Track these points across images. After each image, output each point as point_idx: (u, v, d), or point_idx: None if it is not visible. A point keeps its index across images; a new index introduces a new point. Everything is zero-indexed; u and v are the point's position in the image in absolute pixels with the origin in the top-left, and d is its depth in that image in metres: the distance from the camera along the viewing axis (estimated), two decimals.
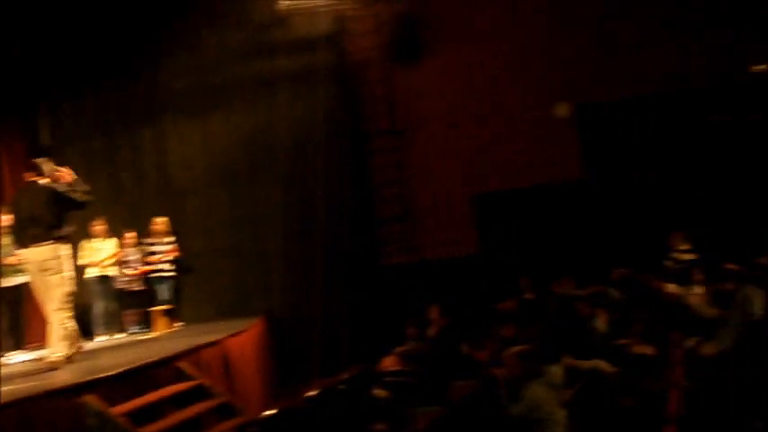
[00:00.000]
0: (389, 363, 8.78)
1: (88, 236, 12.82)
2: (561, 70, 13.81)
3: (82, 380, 7.17)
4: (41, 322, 9.20)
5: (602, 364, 7.28)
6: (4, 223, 10.01)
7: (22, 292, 10.72)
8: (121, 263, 13.02)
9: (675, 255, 12.12)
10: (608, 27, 13.66)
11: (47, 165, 8.84)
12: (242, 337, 11.19)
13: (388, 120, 14.60)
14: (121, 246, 13.07)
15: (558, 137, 13.69)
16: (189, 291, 14.19)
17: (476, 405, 5.60)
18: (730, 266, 9.84)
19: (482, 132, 14.06)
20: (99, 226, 12.90)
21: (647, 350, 7.31)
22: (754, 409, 4.93)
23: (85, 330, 11.61)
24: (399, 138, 14.57)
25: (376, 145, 14.66)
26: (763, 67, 13.20)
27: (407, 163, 14.56)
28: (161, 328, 12.25)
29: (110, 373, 7.42)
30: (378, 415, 6.38)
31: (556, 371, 6.39)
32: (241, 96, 14.67)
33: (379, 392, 7.19)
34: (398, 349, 9.36)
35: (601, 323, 9.07)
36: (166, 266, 13.14)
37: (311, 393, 6.64)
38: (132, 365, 8.04)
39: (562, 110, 13.55)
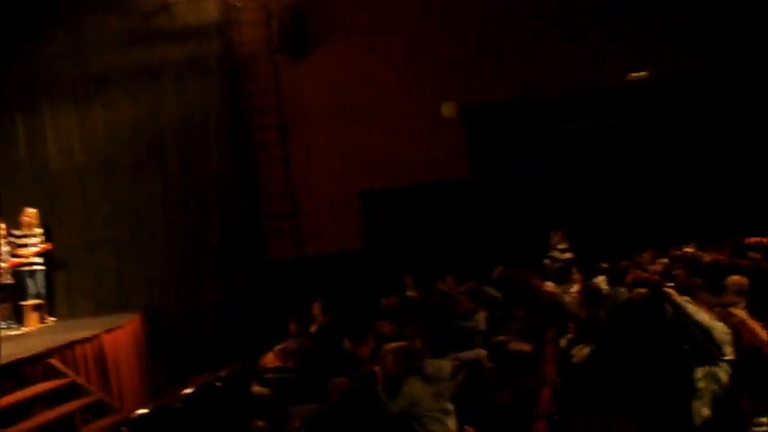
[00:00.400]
0: (270, 359, 8.67)
1: None
2: (448, 69, 13.95)
3: None
4: None
5: (483, 354, 7.40)
6: None
7: None
8: None
9: (554, 253, 12.46)
10: (494, 28, 13.89)
11: None
12: (118, 333, 10.88)
13: (276, 114, 14.44)
14: None
15: (444, 135, 13.82)
16: (66, 285, 13.71)
17: (352, 402, 5.56)
18: (604, 265, 10.19)
19: (370, 128, 14.06)
20: None
21: (524, 347, 7.46)
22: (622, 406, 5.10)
23: None
24: (286, 132, 14.43)
25: (263, 139, 14.48)
26: (641, 74, 13.72)
27: (294, 158, 14.43)
28: (32, 324, 11.77)
29: None
30: (256, 412, 6.28)
31: (441, 365, 6.42)
32: (124, 85, 14.22)
33: (259, 390, 7.09)
34: (279, 346, 9.22)
35: (480, 320, 9.19)
36: (37, 259, 12.60)
37: (187, 391, 6.48)
38: (0, 362, 7.69)
39: (448, 109, 13.70)
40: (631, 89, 13.45)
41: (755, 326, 6.12)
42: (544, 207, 13.29)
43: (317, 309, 10.68)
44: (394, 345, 6.21)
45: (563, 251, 12.46)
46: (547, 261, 12.32)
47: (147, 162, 14.14)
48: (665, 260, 10.50)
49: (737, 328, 5.40)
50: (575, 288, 9.46)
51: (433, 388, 6.06)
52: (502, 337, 8.12)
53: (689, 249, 10.72)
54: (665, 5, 13.23)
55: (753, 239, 10.62)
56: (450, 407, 6.07)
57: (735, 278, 6.89)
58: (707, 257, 9.82)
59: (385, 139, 13.90)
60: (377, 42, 14.02)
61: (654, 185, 13.25)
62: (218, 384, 6.79)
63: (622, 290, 8.37)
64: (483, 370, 7.16)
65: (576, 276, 10.50)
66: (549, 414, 4.13)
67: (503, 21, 13.87)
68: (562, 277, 10.67)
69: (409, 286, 11.74)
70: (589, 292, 8.78)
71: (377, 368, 5.97)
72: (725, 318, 5.89)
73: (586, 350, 7.89)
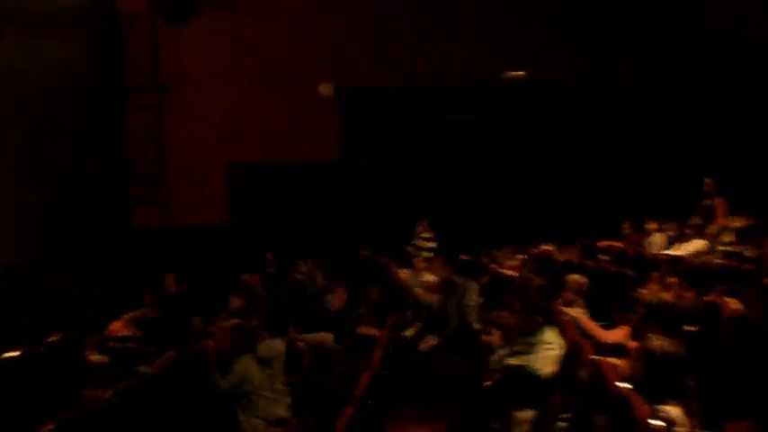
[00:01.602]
0: (116, 327, 8.43)
1: None
2: (332, 49, 13.87)
3: None
4: None
5: (328, 339, 7.39)
6: None
7: None
8: None
9: (418, 242, 12.60)
10: (382, 16, 13.89)
11: None
12: None
13: (151, 76, 14.01)
14: None
15: (319, 115, 13.76)
16: None
17: (174, 375, 5.46)
18: (462, 257, 10.36)
19: (246, 101, 13.83)
20: None
21: (372, 332, 7.51)
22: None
23: None
24: (161, 96, 14.02)
25: (139, 101, 14.03)
26: (519, 73, 14.01)
27: (168, 123, 14.05)
28: None
29: None
30: (90, 380, 6.10)
31: (276, 345, 6.38)
32: None
33: (95, 357, 6.88)
34: (128, 315, 8.99)
35: (337, 300, 9.20)
36: None
37: (10, 355, 6.20)
38: None
39: (326, 89, 13.65)
40: (508, 87, 13.71)
41: (588, 323, 6.36)
42: (411, 195, 13.42)
43: (169, 281, 10.46)
44: (231, 321, 6.14)
45: (427, 240, 12.62)
46: (410, 249, 12.45)
47: (9, 115, 13.45)
48: (522, 256, 10.77)
49: (563, 326, 5.57)
50: (428, 277, 9.56)
51: (267, 367, 6.03)
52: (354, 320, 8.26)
53: (546, 248, 11.01)
54: (549, 12, 13.53)
55: (604, 243, 11.01)
56: (283, 388, 6.06)
57: (574, 277, 7.07)
58: (561, 257, 10.13)
59: (261, 113, 13.71)
60: (263, 13, 13.76)
61: (520, 183, 13.58)
62: (46, 350, 6.53)
63: (473, 283, 8.53)
64: (328, 353, 7.18)
65: (437, 266, 10.62)
66: (362, 399, 4.15)
67: (391, 11, 13.86)
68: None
69: (270, 265, 11.65)
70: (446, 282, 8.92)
71: (210, 343, 5.89)
72: (558, 317, 6.06)
73: (432, 341, 8.02)
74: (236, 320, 6.22)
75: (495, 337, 6.41)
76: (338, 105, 13.80)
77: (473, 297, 8.17)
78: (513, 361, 5.38)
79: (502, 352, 5.83)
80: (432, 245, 12.41)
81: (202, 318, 8.59)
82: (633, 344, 4.91)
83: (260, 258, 12.13)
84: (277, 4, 13.95)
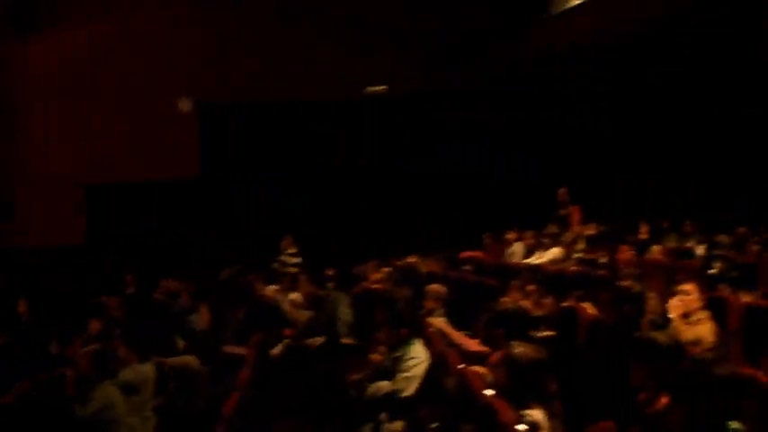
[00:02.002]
0: None
1: None
2: (188, 64, 13.63)
3: None
4: None
5: (193, 361, 7.20)
6: None
7: None
8: None
9: (283, 258, 12.51)
10: (245, 32, 13.76)
11: None
12: None
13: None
14: None
15: (177, 132, 13.47)
16: None
17: (31, 404, 5.19)
18: (329, 272, 10.36)
19: (99, 118, 13.38)
20: None
21: (239, 351, 7.37)
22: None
23: None
24: (8, 114, 13.36)
25: None
26: (379, 88, 14.18)
27: (16, 142, 13.40)
28: None
29: None
30: None
31: (143, 371, 6.17)
32: None
33: None
34: None
35: (201, 320, 9.00)
36: None
37: None
38: None
39: (185, 105, 13.38)
40: (369, 102, 13.86)
41: (452, 332, 6.50)
42: (275, 211, 13.33)
43: (22, 306, 9.98)
44: (89, 347, 5.89)
45: (292, 255, 12.54)
46: (276, 265, 12.34)
47: None
48: (388, 269, 10.84)
49: (431, 338, 5.64)
50: (295, 294, 9.51)
51: (134, 394, 5.82)
52: (220, 340, 8.09)
53: (410, 260, 11.14)
54: (409, 30, 13.77)
55: (466, 254, 11.26)
56: (151, 414, 5.86)
57: (434, 286, 7.32)
58: (424, 268, 10.27)
59: (115, 131, 13.28)
60: (114, 27, 13.34)
61: (386, 197, 13.73)
62: None
63: (340, 295, 8.52)
64: (194, 375, 7.00)
65: (303, 281, 10.57)
66: (231, 419, 4.07)
67: (251, 28, 13.76)
68: (288, 281, 10.70)
69: (130, 285, 11.29)
70: (314, 297, 8.90)
71: (69, 371, 5.63)
72: (425, 328, 6.14)
73: (302, 357, 7.94)
74: (95, 345, 5.98)
75: (376, 354, 6.43)
76: (198, 121, 13.54)
77: (344, 311, 8.16)
78: (382, 384, 5.37)
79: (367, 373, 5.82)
80: (297, 260, 12.35)
81: (59, 343, 8.23)
82: (496, 352, 5.03)
83: (119, 279, 11.75)
84: (132, 20, 13.56)
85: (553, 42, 12.67)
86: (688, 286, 6.05)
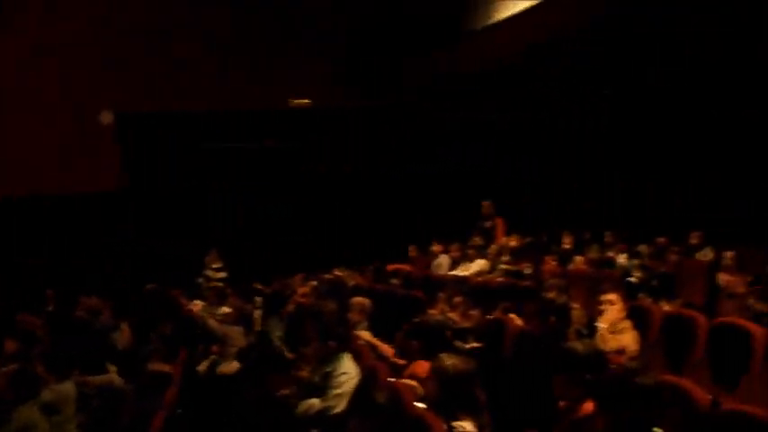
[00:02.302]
0: None
1: None
2: (115, 75, 13.35)
3: None
4: None
5: (116, 379, 7.04)
6: None
7: None
8: None
9: (208, 272, 12.33)
10: (166, 43, 13.57)
11: None
12: None
13: None
14: None
15: (98, 144, 13.16)
16: None
17: None
18: (257, 286, 10.27)
19: (18, 128, 12.97)
20: None
21: (164, 368, 7.22)
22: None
23: None
24: None
25: None
26: (303, 101, 14.16)
27: None
28: None
29: None
30: None
31: (64, 390, 6.00)
32: None
33: None
34: None
35: (123, 337, 8.81)
36: None
37: None
38: None
39: (106, 117, 13.10)
40: (293, 115, 13.83)
41: (378, 343, 6.52)
42: (198, 224, 13.15)
43: None
44: (8, 367, 5.70)
45: (217, 270, 12.38)
46: (200, 280, 12.16)
47: None
48: (314, 283, 10.80)
49: (360, 351, 5.64)
50: (224, 308, 9.38)
51: (56, 414, 5.66)
52: (143, 357, 7.91)
53: (337, 273, 11.13)
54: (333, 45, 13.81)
55: (392, 266, 11.30)
56: None
57: (358, 299, 7.40)
58: (351, 281, 10.27)
59: (33, 142, 12.87)
60: (30, 38, 12.96)
61: (310, 210, 13.70)
62: None
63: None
64: (117, 393, 6.84)
65: (230, 295, 10.44)
66: None
67: (171, 37, 13.58)
68: (214, 297, 10.54)
69: (50, 302, 10.96)
70: (243, 314, 8.82)
71: None
72: (353, 342, 6.13)
73: (230, 372, 7.85)
74: (13, 366, 5.79)
75: (304, 370, 6.39)
76: (119, 132, 13.25)
77: (274, 325, 8.10)
78: (313, 401, 5.33)
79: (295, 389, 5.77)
80: (222, 275, 12.19)
81: None
82: (426, 364, 5.06)
83: (37, 297, 11.40)
84: (44, 30, 13.20)
85: (475, 57, 12.86)
86: (612, 296, 6.20)
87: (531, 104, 13.29)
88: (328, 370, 5.35)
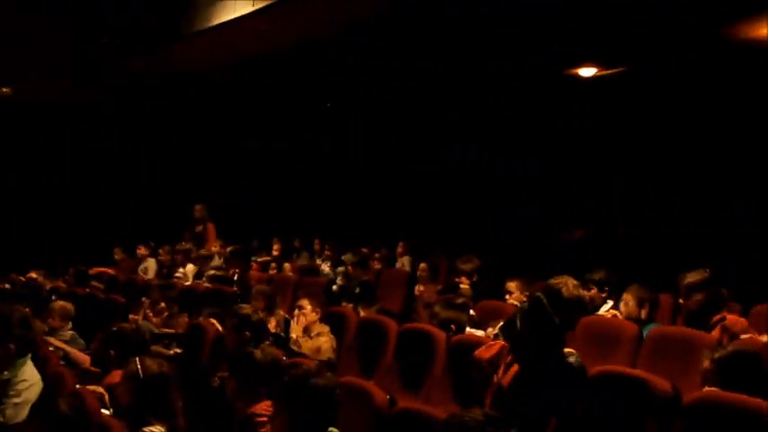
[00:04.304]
0: None
1: None
2: None
3: None
4: None
5: None
6: None
7: None
8: None
9: None
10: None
11: None
12: None
13: None
14: None
15: None
16: None
17: None
18: None
19: None
20: None
21: None
22: None
23: None
24: None
25: None
26: (4, 89, 13.23)
27: None
28: None
29: None
30: None
31: None
32: None
33: None
34: None
35: None
36: None
37: None
38: None
39: None
40: None
41: (71, 350, 6.26)
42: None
43: None
44: None
45: None
46: None
47: None
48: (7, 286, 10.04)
49: (47, 357, 5.36)
50: None
51: None
52: None
53: (32, 275, 10.49)
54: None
55: (95, 270, 10.83)
56: None
57: (60, 303, 7.12)
58: (48, 284, 9.68)
59: None
60: None
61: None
62: None
63: None
64: None
65: None
66: None
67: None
68: None
69: None
70: None
71: None
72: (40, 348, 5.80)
73: None
74: None
75: None
76: None
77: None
78: None
79: None
80: None
81: None
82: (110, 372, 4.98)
83: None
84: None
85: (193, 59, 12.62)
86: (304, 302, 6.52)
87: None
88: (7, 378, 4.98)
